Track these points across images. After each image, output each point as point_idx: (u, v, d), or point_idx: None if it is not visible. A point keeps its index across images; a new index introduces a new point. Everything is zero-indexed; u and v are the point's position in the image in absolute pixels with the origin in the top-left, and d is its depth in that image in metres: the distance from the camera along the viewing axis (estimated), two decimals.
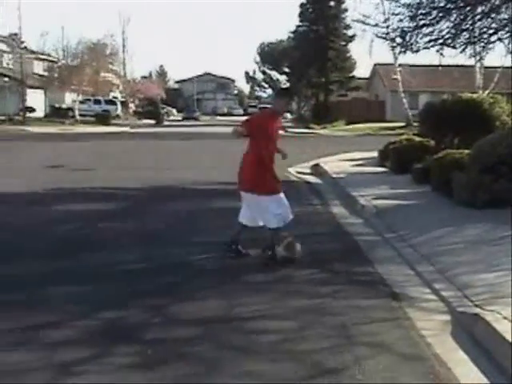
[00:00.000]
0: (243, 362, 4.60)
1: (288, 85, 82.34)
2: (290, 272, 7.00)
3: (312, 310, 5.68)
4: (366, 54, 20.86)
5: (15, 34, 54.77)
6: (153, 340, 4.99)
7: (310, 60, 64.51)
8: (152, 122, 66.00)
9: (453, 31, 14.01)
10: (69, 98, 63.12)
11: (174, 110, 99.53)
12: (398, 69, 47.23)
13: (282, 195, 7.38)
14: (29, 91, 54.54)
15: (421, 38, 14.49)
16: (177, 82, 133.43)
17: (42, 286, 6.45)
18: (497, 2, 13.01)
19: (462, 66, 32.75)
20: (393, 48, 17.77)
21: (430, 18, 13.94)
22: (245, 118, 8.13)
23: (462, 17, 13.73)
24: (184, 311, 5.69)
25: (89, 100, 63.66)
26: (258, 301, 5.97)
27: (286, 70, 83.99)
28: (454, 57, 15.65)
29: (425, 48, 14.65)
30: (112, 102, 67.36)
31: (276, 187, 7.37)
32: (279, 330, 5.18)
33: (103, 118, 57.26)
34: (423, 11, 13.94)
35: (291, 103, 8.01)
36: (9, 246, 8.39)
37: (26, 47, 55.52)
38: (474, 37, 14.18)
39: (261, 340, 5.00)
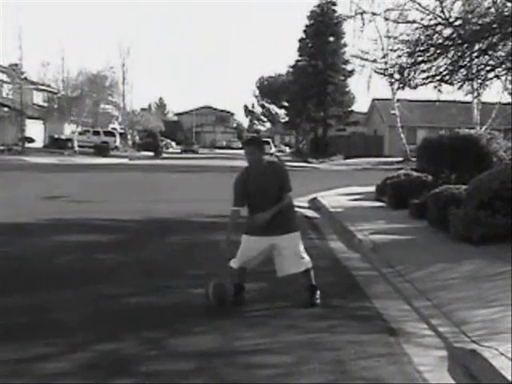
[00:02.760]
0: None
1: (287, 119, 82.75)
2: (286, 306, 6.99)
3: (309, 344, 5.67)
4: (365, 89, 21.02)
5: (15, 65, 55.23)
6: (149, 373, 4.96)
7: (309, 94, 64.98)
8: (151, 154, 66.14)
9: (450, 68, 14.15)
10: (68, 129, 63.41)
11: (173, 143, 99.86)
12: (396, 104, 47.59)
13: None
14: (28, 122, 54.85)
15: (418, 74, 14.65)
16: (176, 114, 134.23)
17: (38, 316, 6.45)
18: (494, 40, 13.15)
19: (459, 101, 33.04)
20: (391, 84, 17.92)
21: (427, 54, 14.09)
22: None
23: (459, 54, 13.88)
24: (181, 344, 5.67)
25: (88, 131, 63.93)
26: (255, 335, 5.95)
27: (285, 103, 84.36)
28: (451, 93, 15.82)
29: (423, 84, 14.79)
30: (111, 134, 67.50)
31: None
32: (276, 365, 5.17)
33: (102, 150, 57.33)
34: (421, 48, 14.09)
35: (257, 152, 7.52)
36: (6, 276, 8.36)
37: (26, 78, 55.90)
38: (472, 74, 14.31)
39: (258, 374, 4.98)
